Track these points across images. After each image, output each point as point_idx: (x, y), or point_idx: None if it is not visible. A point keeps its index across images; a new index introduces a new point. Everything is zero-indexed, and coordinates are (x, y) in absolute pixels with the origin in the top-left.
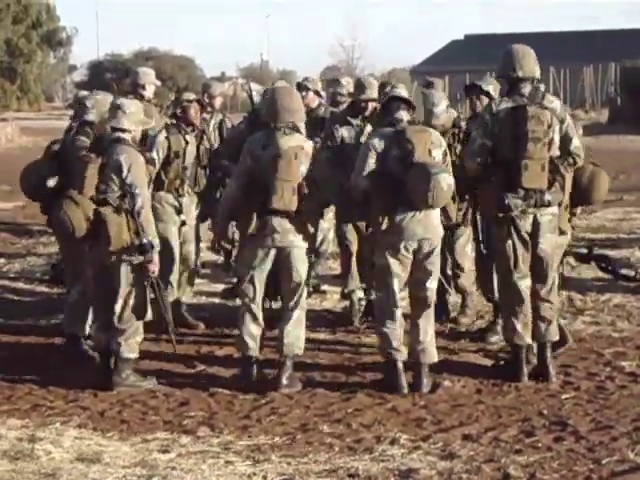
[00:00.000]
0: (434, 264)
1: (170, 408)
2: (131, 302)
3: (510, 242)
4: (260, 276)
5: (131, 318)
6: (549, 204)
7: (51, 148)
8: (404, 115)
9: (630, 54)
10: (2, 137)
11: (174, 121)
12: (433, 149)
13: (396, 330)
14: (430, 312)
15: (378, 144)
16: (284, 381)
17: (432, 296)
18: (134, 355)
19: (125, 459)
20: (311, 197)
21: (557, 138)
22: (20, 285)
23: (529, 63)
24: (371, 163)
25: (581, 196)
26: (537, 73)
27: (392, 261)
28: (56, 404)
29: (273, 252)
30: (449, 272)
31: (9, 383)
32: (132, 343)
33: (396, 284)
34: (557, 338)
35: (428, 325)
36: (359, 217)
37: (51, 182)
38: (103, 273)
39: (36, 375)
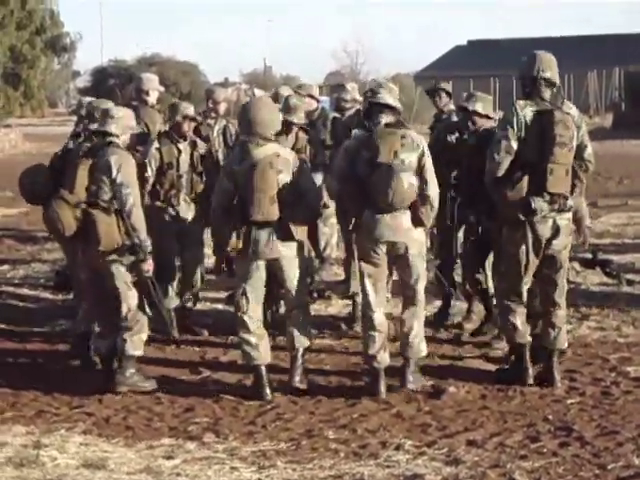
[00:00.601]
0: (415, 266)
1: (175, 414)
2: (132, 302)
3: (524, 247)
4: (253, 288)
5: (136, 315)
6: (570, 209)
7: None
8: (383, 118)
9: (634, 59)
10: (6, 143)
11: (166, 129)
12: (403, 152)
13: (374, 337)
14: (417, 309)
15: (350, 147)
16: (297, 377)
17: (418, 296)
18: (139, 352)
19: (130, 465)
20: (300, 205)
21: (574, 144)
22: (24, 291)
23: (553, 68)
24: (343, 166)
25: None
26: (558, 80)
27: (364, 264)
28: (61, 410)
29: (262, 264)
30: (456, 277)
31: (14, 390)
32: (137, 340)
33: (369, 286)
34: (566, 346)
35: (414, 320)
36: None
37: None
38: (96, 277)
39: (41, 381)
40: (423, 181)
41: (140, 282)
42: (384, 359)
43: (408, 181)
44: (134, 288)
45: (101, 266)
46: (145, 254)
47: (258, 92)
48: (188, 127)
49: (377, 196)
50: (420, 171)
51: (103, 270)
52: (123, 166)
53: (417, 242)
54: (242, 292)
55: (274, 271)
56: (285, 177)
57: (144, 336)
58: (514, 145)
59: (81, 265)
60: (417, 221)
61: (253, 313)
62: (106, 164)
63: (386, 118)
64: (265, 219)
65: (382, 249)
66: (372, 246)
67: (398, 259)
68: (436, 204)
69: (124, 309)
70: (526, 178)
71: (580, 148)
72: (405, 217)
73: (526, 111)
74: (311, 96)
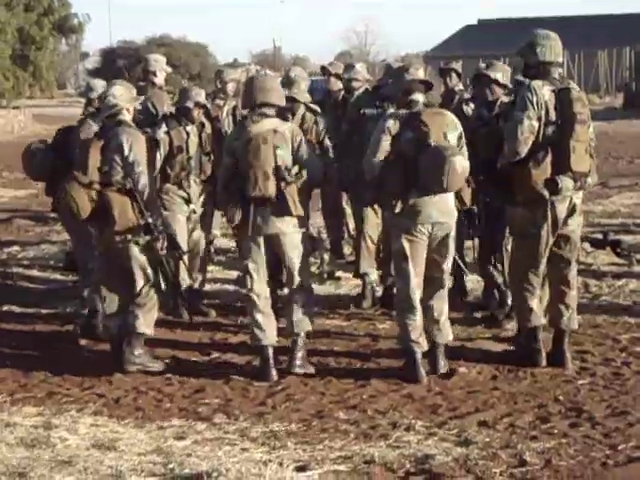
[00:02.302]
0: (450, 247)
1: (185, 395)
2: (149, 279)
3: (546, 227)
4: (254, 265)
5: (149, 294)
6: (588, 187)
7: (60, 135)
8: (420, 97)
9: None
10: (15, 125)
11: (172, 112)
12: (449, 132)
13: (416, 321)
14: (444, 293)
15: (392, 126)
16: (297, 362)
17: (446, 278)
18: (149, 331)
19: (141, 446)
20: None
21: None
22: (34, 272)
23: (559, 47)
24: (385, 145)
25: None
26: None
27: (407, 245)
28: (71, 391)
29: (262, 240)
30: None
31: (24, 371)
32: (149, 318)
33: (411, 268)
34: (577, 327)
35: (443, 305)
36: (372, 200)
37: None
38: (113, 257)
39: (51, 363)
40: None
41: (155, 261)
42: (424, 343)
43: (462, 165)
44: (149, 267)
45: (116, 246)
46: (159, 233)
47: (269, 73)
48: (198, 113)
49: (428, 181)
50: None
51: (118, 250)
52: (134, 145)
53: (455, 223)
54: (245, 269)
55: (275, 249)
56: (283, 153)
57: (155, 314)
58: (536, 125)
59: (98, 246)
60: (460, 202)
61: (260, 291)
62: (118, 144)
63: (422, 97)
64: (261, 195)
65: (428, 230)
66: (418, 227)
67: (437, 240)
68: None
69: (139, 285)
70: (550, 157)
71: None
72: (449, 197)
73: (544, 91)
74: (337, 76)
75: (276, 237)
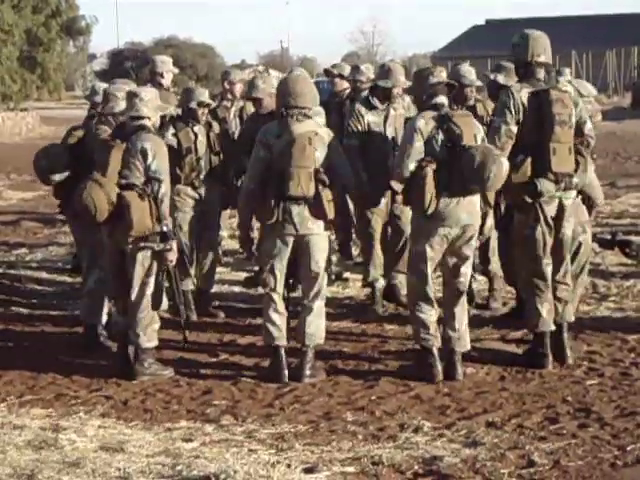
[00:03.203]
0: (471, 250)
1: (193, 397)
2: (147, 291)
3: (540, 229)
4: (280, 265)
5: (147, 307)
6: (576, 187)
7: (71, 134)
8: (445, 100)
9: None
10: (23, 126)
11: (179, 114)
12: (477, 134)
13: (432, 315)
14: (464, 300)
15: (424, 127)
16: (307, 371)
17: (465, 282)
18: (153, 344)
19: (149, 448)
20: (332, 184)
21: (574, 121)
22: (42, 274)
23: (547, 50)
24: (418, 146)
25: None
26: (550, 59)
27: (429, 247)
28: (79, 393)
29: (292, 240)
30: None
31: (32, 373)
32: (150, 332)
33: (430, 269)
34: (573, 319)
35: (463, 314)
36: (405, 202)
37: (57, 177)
38: (122, 259)
39: (59, 365)
40: None
41: (162, 271)
42: (439, 339)
43: (506, 167)
44: (152, 278)
45: (126, 249)
46: (172, 243)
47: (273, 73)
48: (202, 113)
49: (471, 178)
50: None
51: (128, 254)
52: (158, 153)
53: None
54: (270, 269)
55: (301, 250)
56: (320, 155)
57: (156, 326)
58: (514, 129)
59: (107, 247)
60: (487, 203)
61: (280, 291)
62: (142, 150)
63: (446, 100)
64: (302, 194)
65: (454, 233)
66: (447, 230)
67: (462, 242)
68: None
69: (133, 296)
70: (529, 160)
71: (579, 124)
72: (476, 199)
73: (522, 93)
74: (342, 76)
75: (306, 238)
